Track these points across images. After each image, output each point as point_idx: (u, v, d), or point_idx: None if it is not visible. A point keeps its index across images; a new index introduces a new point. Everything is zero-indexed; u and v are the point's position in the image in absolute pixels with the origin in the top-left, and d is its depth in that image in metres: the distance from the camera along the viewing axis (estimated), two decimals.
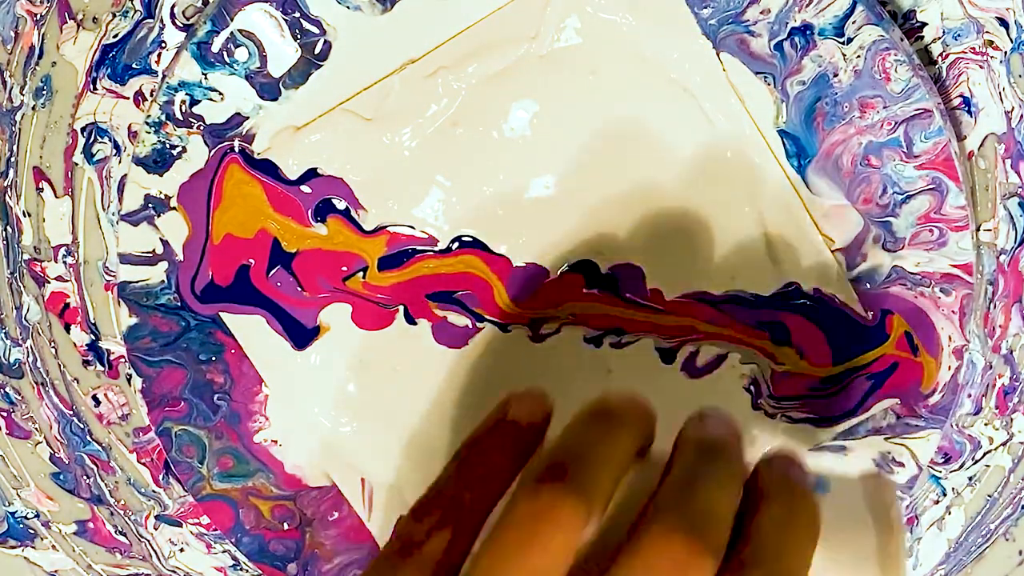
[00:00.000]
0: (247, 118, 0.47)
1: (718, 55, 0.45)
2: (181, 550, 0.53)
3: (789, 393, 0.48)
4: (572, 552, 0.31)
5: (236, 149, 0.47)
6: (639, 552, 0.31)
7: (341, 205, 0.47)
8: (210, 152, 0.47)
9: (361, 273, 0.48)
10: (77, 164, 0.50)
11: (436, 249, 0.48)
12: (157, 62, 0.49)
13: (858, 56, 0.45)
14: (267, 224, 0.47)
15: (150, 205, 0.47)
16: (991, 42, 0.47)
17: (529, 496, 0.32)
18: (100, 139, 0.49)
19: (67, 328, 0.51)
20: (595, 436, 0.34)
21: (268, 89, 0.46)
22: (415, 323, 0.48)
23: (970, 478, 0.49)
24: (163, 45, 0.48)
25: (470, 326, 0.48)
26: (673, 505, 0.32)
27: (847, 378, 0.47)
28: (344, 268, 0.48)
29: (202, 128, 0.47)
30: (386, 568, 0.32)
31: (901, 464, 0.47)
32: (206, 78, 0.46)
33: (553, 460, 0.33)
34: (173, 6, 0.48)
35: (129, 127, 0.49)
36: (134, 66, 0.49)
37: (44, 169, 0.50)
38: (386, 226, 0.47)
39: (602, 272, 0.47)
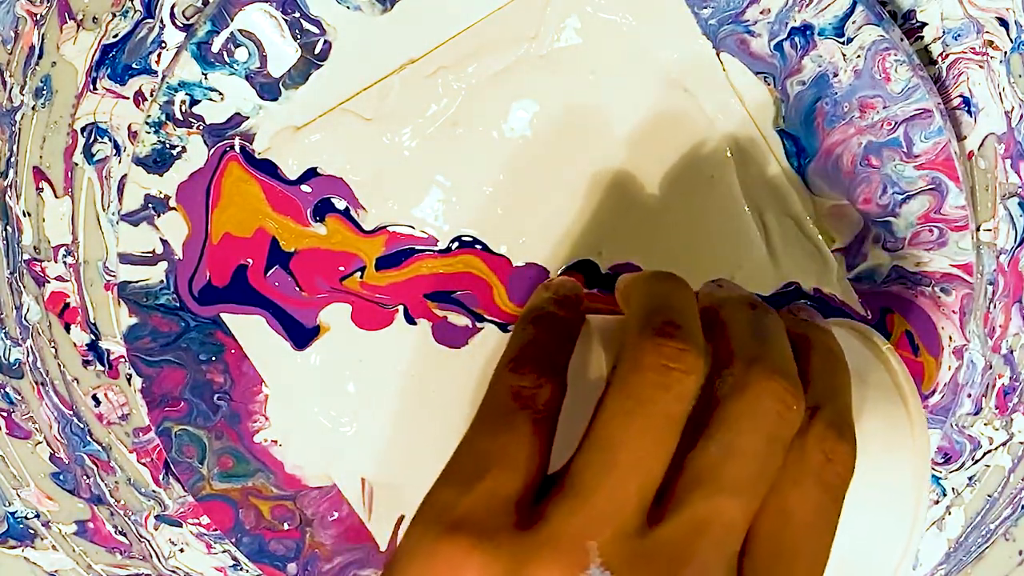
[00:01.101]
0: (247, 118, 0.47)
1: (718, 55, 0.45)
2: (181, 550, 0.53)
3: None
4: (695, 399, 0.33)
5: (236, 148, 0.47)
6: (747, 391, 0.33)
7: (341, 205, 0.47)
8: (209, 151, 0.47)
9: (359, 273, 0.48)
10: (77, 164, 0.50)
11: (436, 249, 0.48)
12: (157, 62, 0.49)
13: (858, 56, 0.45)
14: (265, 223, 0.47)
15: (150, 205, 0.47)
16: (991, 42, 0.47)
17: (655, 347, 0.33)
18: (100, 139, 0.49)
19: (67, 328, 0.51)
20: (674, 293, 0.36)
21: (268, 89, 0.46)
22: (415, 323, 0.48)
23: (970, 478, 0.49)
24: (163, 45, 0.48)
25: (470, 326, 0.48)
26: (761, 356, 0.34)
27: None
28: (341, 268, 0.48)
29: (202, 128, 0.47)
30: (505, 416, 0.33)
31: None
32: (206, 78, 0.46)
33: (660, 315, 0.34)
34: (173, 6, 0.48)
35: (129, 127, 0.49)
36: (134, 66, 0.49)
37: (44, 169, 0.50)
38: (386, 226, 0.47)
39: (602, 272, 0.47)
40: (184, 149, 0.47)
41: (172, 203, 0.47)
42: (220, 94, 0.46)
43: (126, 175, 0.48)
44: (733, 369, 0.34)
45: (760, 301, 0.38)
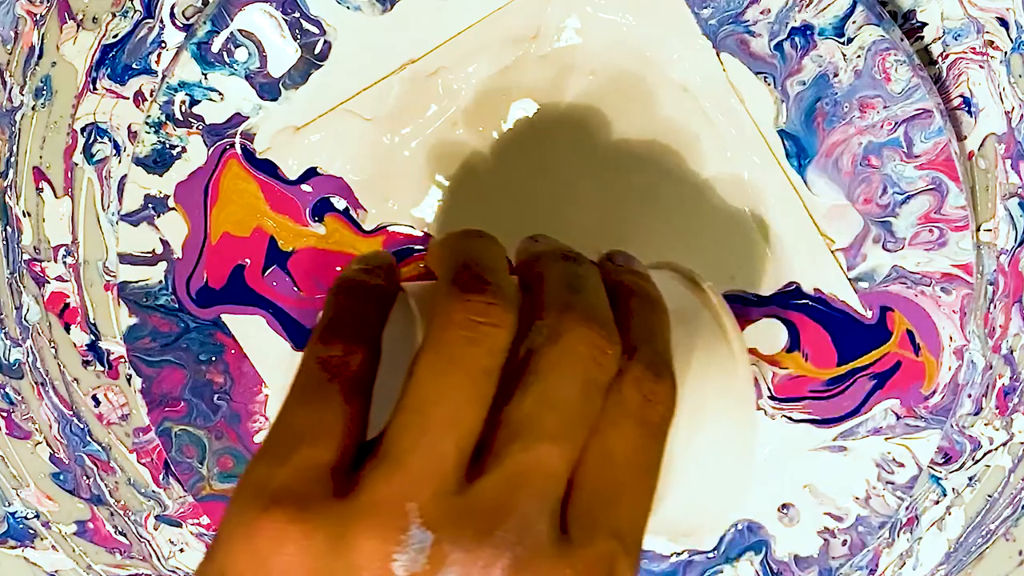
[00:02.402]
0: (247, 118, 0.47)
1: (718, 55, 0.45)
2: (181, 550, 0.53)
3: (790, 394, 0.48)
4: (506, 352, 0.33)
5: (237, 147, 0.47)
6: (560, 341, 0.33)
7: (340, 204, 0.47)
8: (209, 151, 0.47)
9: None
10: (77, 164, 0.50)
11: None
12: (157, 62, 0.49)
13: (858, 56, 0.45)
14: (263, 222, 0.47)
15: (150, 205, 0.47)
16: (991, 42, 0.47)
17: (462, 303, 0.33)
18: (100, 139, 0.49)
19: (67, 328, 0.51)
20: (481, 249, 0.36)
21: (268, 89, 0.46)
22: None
23: (970, 478, 0.49)
24: (163, 45, 0.48)
25: None
26: (576, 306, 0.34)
27: (850, 378, 0.47)
28: (339, 268, 0.48)
29: (202, 128, 0.47)
30: (315, 388, 0.33)
31: (901, 464, 0.47)
32: (206, 78, 0.46)
33: (467, 271, 0.34)
34: (173, 6, 0.48)
35: (129, 127, 0.49)
36: (134, 66, 0.49)
37: (44, 169, 0.50)
38: (385, 226, 0.47)
39: None
40: (184, 149, 0.47)
41: (171, 203, 0.47)
42: (220, 94, 0.46)
43: (126, 175, 0.48)
44: (546, 320, 0.34)
45: (575, 252, 0.38)
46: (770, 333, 0.47)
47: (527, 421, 0.32)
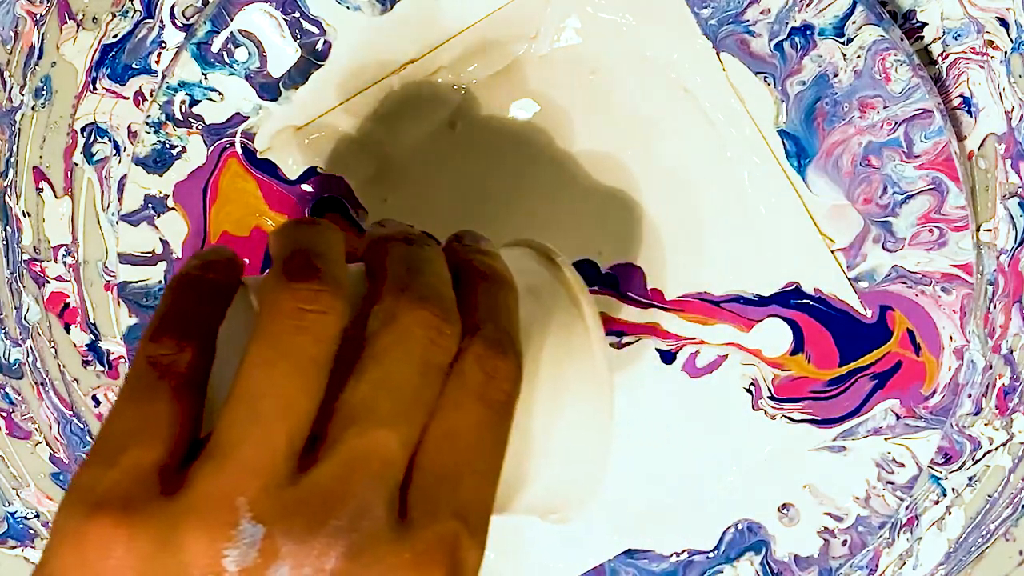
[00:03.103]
0: (247, 118, 0.47)
1: (718, 55, 0.45)
2: None
3: (791, 395, 0.48)
4: (338, 339, 0.33)
5: (238, 146, 0.47)
6: (393, 324, 0.33)
7: (339, 204, 0.47)
8: (209, 150, 0.47)
9: None
10: (77, 164, 0.50)
11: None
12: (157, 62, 0.49)
13: (858, 56, 0.45)
14: (262, 222, 0.47)
15: (150, 205, 0.47)
16: (991, 42, 0.47)
17: (290, 292, 0.33)
18: (100, 139, 0.49)
19: (67, 328, 0.51)
20: (314, 236, 0.35)
21: (268, 89, 0.46)
22: None
23: (970, 478, 0.49)
24: (163, 45, 0.48)
25: None
26: (412, 288, 0.34)
27: (851, 378, 0.47)
28: None
29: (202, 128, 0.47)
30: (143, 388, 0.33)
31: (901, 464, 0.47)
32: (206, 78, 0.46)
33: (296, 259, 0.34)
34: (173, 6, 0.48)
35: (129, 127, 0.49)
36: (134, 66, 0.49)
37: (44, 169, 0.50)
38: None
39: (602, 272, 0.47)
40: (184, 149, 0.47)
41: (171, 203, 0.47)
42: (220, 94, 0.46)
43: (126, 175, 0.48)
44: (383, 304, 0.34)
45: (419, 234, 0.38)
46: (775, 335, 0.47)
47: (361, 407, 0.32)
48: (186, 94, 0.46)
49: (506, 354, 0.34)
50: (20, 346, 0.51)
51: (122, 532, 0.30)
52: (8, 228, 0.50)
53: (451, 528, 0.32)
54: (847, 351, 0.47)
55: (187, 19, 0.48)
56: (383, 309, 0.34)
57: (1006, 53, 0.47)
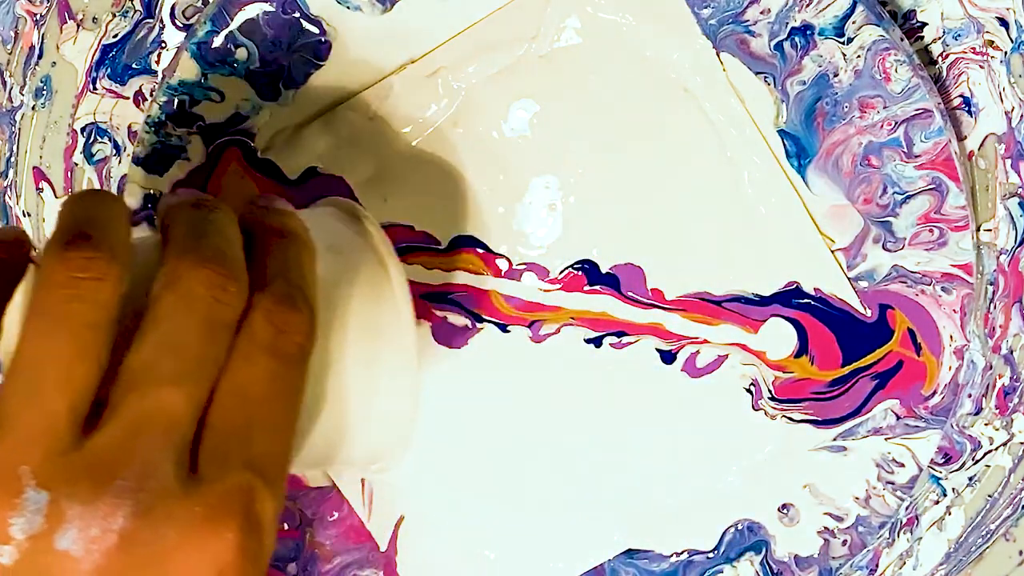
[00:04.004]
0: (247, 118, 0.47)
1: (718, 55, 0.45)
2: None
3: (791, 396, 0.48)
4: (116, 305, 0.33)
5: (237, 146, 0.47)
6: (175, 285, 0.33)
7: None
8: (209, 150, 0.47)
9: None
10: (77, 164, 0.50)
11: (435, 248, 0.48)
12: (157, 62, 0.49)
13: (858, 56, 0.45)
14: None
15: (150, 205, 0.47)
16: (991, 42, 0.47)
17: (63, 261, 0.33)
18: (100, 139, 0.49)
19: None
20: (90, 205, 0.35)
21: (268, 89, 0.46)
22: None
23: (970, 478, 0.49)
24: (163, 45, 0.48)
25: (470, 326, 0.48)
26: (194, 249, 0.34)
27: (852, 379, 0.47)
28: None
29: (202, 128, 0.47)
30: None
31: (901, 464, 0.47)
32: (206, 78, 0.46)
33: (67, 229, 0.34)
34: (173, 6, 0.48)
35: (129, 127, 0.49)
36: (134, 66, 0.49)
37: (44, 169, 0.50)
38: (385, 226, 0.47)
39: (602, 272, 0.47)
40: (184, 149, 0.47)
41: None
42: (220, 94, 0.46)
43: (126, 175, 0.48)
44: (165, 267, 0.34)
45: (207, 199, 0.38)
46: (780, 336, 0.47)
47: (144, 368, 0.33)
48: (186, 94, 0.46)
49: (297, 308, 0.35)
50: None
51: None
52: None
53: (243, 480, 0.33)
54: (849, 351, 0.47)
55: (187, 19, 0.48)
56: (165, 272, 0.34)
57: (1006, 53, 0.47)
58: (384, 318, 0.39)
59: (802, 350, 0.47)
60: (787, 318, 0.47)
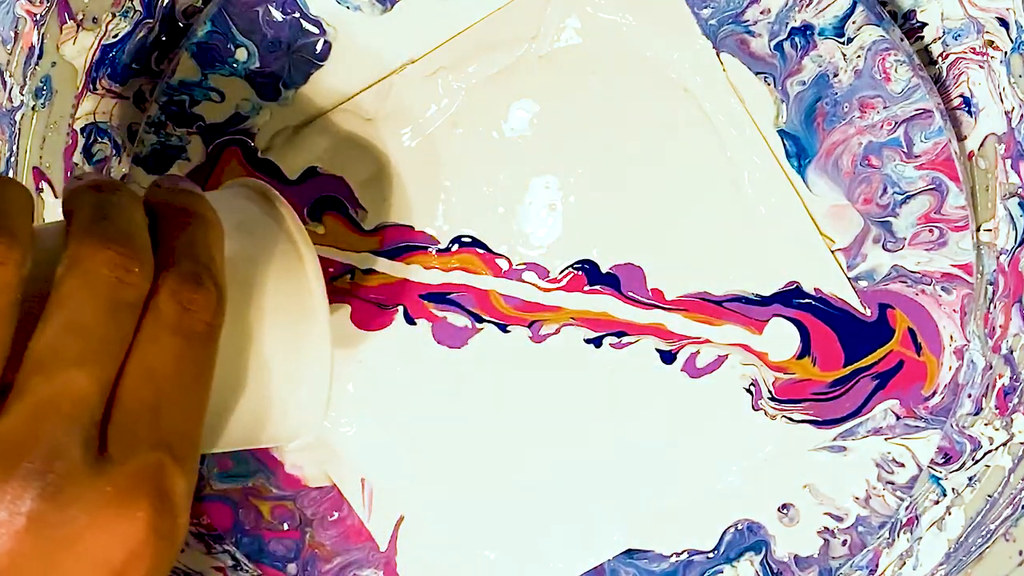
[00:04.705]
0: (247, 118, 0.47)
1: (718, 55, 0.45)
2: (181, 550, 0.53)
3: (791, 396, 0.48)
4: (17, 288, 0.33)
5: (237, 146, 0.47)
6: (78, 267, 0.33)
7: (339, 204, 0.47)
8: (209, 150, 0.47)
9: (350, 275, 0.48)
10: (77, 164, 0.50)
11: (435, 248, 0.48)
12: (157, 62, 0.49)
13: (858, 56, 0.45)
14: None
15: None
16: (991, 42, 0.47)
17: None
18: (100, 139, 0.49)
19: None
20: None
21: (268, 89, 0.46)
22: (415, 323, 0.48)
23: (970, 478, 0.49)
24: (163, 45, 0.48)
25: (470, 326, 0.48)
26: (97, 231, 0.34)
27: (854, 379, 0.47)
28: (331, 269, 0.47)
29: (202, 128, 0.47)
30: None
31: (901, 464, 0.47)
32: (206, 78, 0.46)
33: None
34: (173, 6, 0.48)
35: (129, 127, 0.49)
36: (134, 66, 0.49)
37: (44, 169, 0.50)
38: (385, 226, 0.47)
39: (603, 272, 0.47)
40: (184, 149, 0.47)
41: None
42: (220, 94, 0.46)
43: (126, 175, 0.48)
44: (68, 250, 0.34)
45: (109, 181, 0.38)
46: (782, 337, 0.47)
47: (48, 351, 0.32)
48: (186, 94, 0.46)
49: (203, 286, 0.35)
50: None
51: None
52: None
53: (153, 459, 0.33)
54: (851, 351, 0.47)
55: (187, 19, 0.48)
56: (68, 255, 0.34)
57: (1006, 53, 0.47)
58: (297, 295, 0.39)
59: (804, 351, 0.47)
60: (789, 318, 0.47)
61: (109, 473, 0.32)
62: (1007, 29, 0.47)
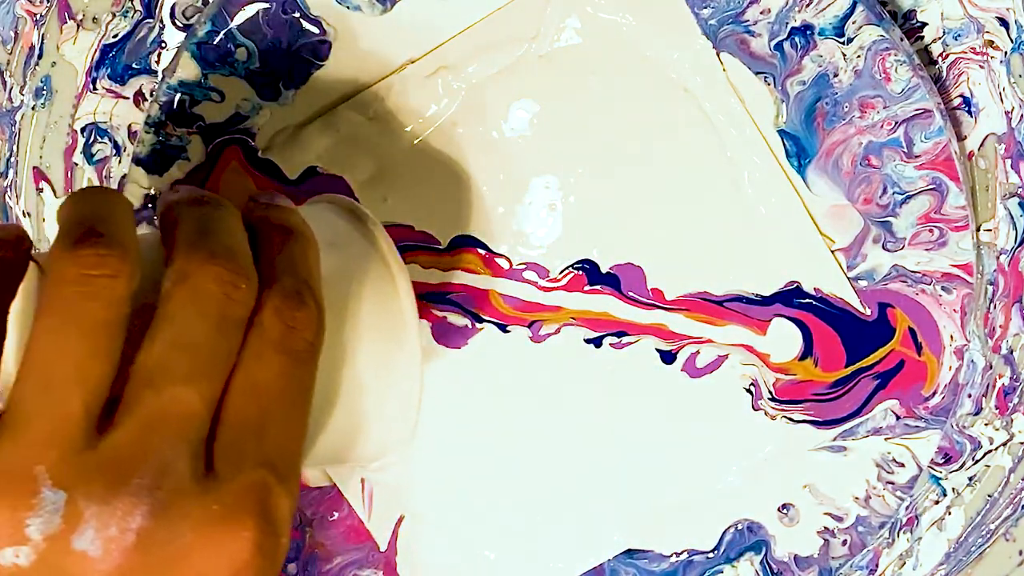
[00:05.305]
0: (247, 118, 0.47)
1: (718, 55, 0.45)
2: None
3: (792, 397, 0.48)
4: (128, 302, 0.33)
5: (237, 145, 0.47)
6: (186, 283, 0.33)
7: None
8: (209, 150, 0.47)
9: None
10: (77, 164, 0.50)
11: (435, 248, 0.48)
12: (157, 62, 0.49)
13: (858, 56, 0.45)
14: None
15: (150, 205, 0.47)
16: (991, 42, 0.47)
17: (74, 258, 0.33)
18: (100, 139, 0.49)
19: None
20: (98, 203, 0.35)
21: (268, 89, 0.46)
22: None
23: (970, 478, 0.49)
24: (163, 45, 0.48)
25: (470, 326, 0.48)
26: (203, 247, 0.34)
27: (855, 379, 0.47)
28: None
29: (202, 128, 0.47)
30: None
31: (901, 464, 0.47)
32: (206, 78, 0.46)
33: (79, 226, 0.34)
34: (173, 6, 0.48)
35: (129, 127, 0.49)
36: (134, 66, 0.49)
37: (44, 169, 0.50)
38: (385, 226, 0.47)
39: (603, 272, 0.47)
40: (184, 149, 0.47)
41: None
42: (220, 94, 0.46)
43: (126, 175, 0.48)
44: (175, 264, 0.34)
45: (211, 195, 0.38)
46: (785, 337, 0.47)
47: (158, 366, 0.32)
48: (186, 94, 0.46)
49: (306, 304, 0.35)
50: None
51: None
52: None
53: (259, 477, 0.33)
54: (853, 351, 0.47)
55: (187, 19, 0.48)
56: (175, 269, 0.34)
57: (1006, 53, 0.47)
58: (388, 313, 0.39)
59: (807, 352, 0.47)
60: (790, 318, 0.47)
61: (216, 491, 0.32)
62: (1007, 29, 0.47)
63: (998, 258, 0.48)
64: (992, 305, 0.48)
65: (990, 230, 0.48)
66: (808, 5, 0.45)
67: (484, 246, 0.47)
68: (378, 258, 0.40)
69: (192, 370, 0.33)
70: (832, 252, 0.47)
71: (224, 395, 0.33)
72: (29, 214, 0.50)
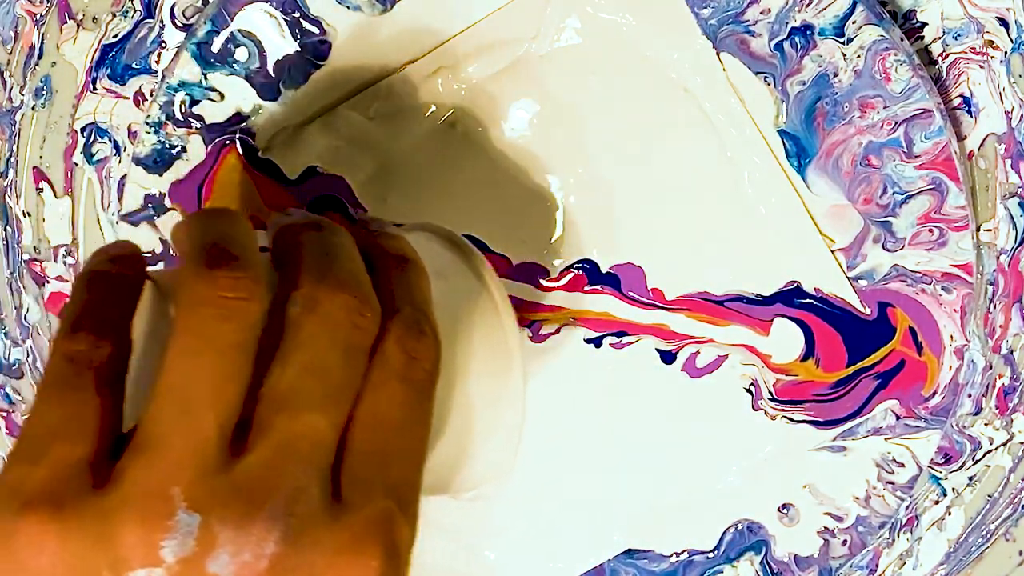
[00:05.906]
0: (247, 118, 0.47)
1: (718, 55, 0.45)
2: None
3: (792, 397, 0.48)
4: (260, 325, 0.33)
5: (237, 145, 0.47)
6: (317, 310, 0.33)
7: (339, 204, 0.47)
8: (209, 150, 0.47)
9: None
10: (77, 164, 0.50)
11: None
12: (157, 62, 0.49)
13: (858, 56, 0.45)
14: (259, 216, 0.47)
15: (150, 205, 0.47)
16: (991, 42, 0.47)
17: (210, 280, 0.33)
18: (100, 139, 0.49)
19: None
20: (228, 225, 0.35)
21: (268, 89, 0.46)
22: None
23: (970, 478, 0.49)
24: (163, 45, 0.48)
25: None
26: (330, 274, 0.34)
27: (855, 379, 0.47)
28: None
29: (202, 128, 0.47)
30: (65, 384, 0.32)
31: (901, 464, 0.47)
32: (206, 78, 0.46)
33: (214, 248, 0.34)
34: (173, 6, 0.48)
35: (129, 127, 0.49)
36: (134, 66, 0.49)
37: (44, 169, 0.50)
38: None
39: (602, 272, 0.47)
40: (184, 149, 0.47)
41: (168, 202, 0.47)
42: (220, 94, 0.46)
43: (126, 175, 0.48)
44: (303, 289, 0.34)
45: (328, 221, 0.38)
46: (787, 338, 0.47)
47: (290, 391, 0.32)
48: (186, 94, 0.46)
49: (425, 334, 0.35)
50: (20, 346, 0.51)
51: (53, 529, 0.30)
52: (8, 228, 0.50)
53: (385, 507, 0.33)
54: (854, 350, 0.47)
55: (187, 19, 0.48)
56: (303, 295, 0.34)
57: (1006, 53, 0.47)
58: (493, 344, 0.39)
59: (809, 353, 0.47)
60: (792, 319, 0.47)
61: (345, 519, 0.32)
62: (1007, 29, 0.47)
63: (998, 258, 0.48)
64: (992, 305, 0.48)
65: (990, 230, 0.48)
66: (808, 5, 0.45)
67: (484, 246, 0.47)
68: (483, 289, 0.40)
69: (322, 397, 0.33)
70: (832, 252, 0.47)
71: (348, 423, 0.33)
72: (29, 214, 0.50)
